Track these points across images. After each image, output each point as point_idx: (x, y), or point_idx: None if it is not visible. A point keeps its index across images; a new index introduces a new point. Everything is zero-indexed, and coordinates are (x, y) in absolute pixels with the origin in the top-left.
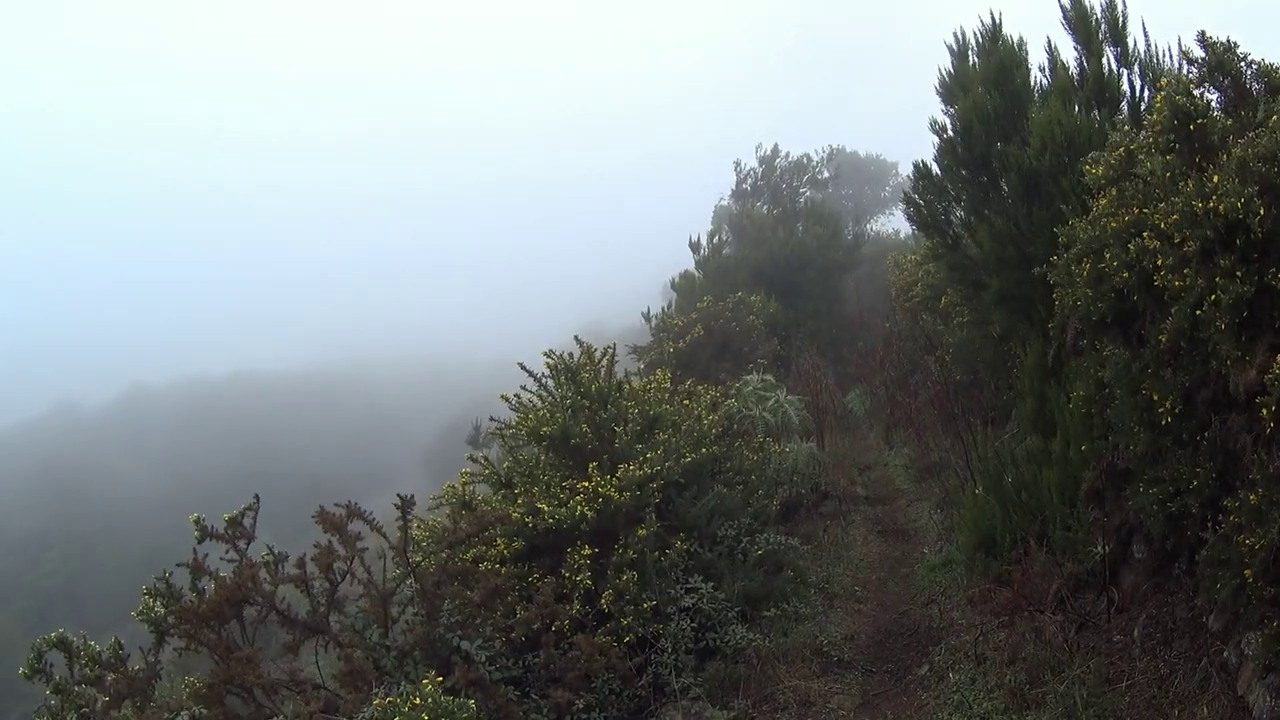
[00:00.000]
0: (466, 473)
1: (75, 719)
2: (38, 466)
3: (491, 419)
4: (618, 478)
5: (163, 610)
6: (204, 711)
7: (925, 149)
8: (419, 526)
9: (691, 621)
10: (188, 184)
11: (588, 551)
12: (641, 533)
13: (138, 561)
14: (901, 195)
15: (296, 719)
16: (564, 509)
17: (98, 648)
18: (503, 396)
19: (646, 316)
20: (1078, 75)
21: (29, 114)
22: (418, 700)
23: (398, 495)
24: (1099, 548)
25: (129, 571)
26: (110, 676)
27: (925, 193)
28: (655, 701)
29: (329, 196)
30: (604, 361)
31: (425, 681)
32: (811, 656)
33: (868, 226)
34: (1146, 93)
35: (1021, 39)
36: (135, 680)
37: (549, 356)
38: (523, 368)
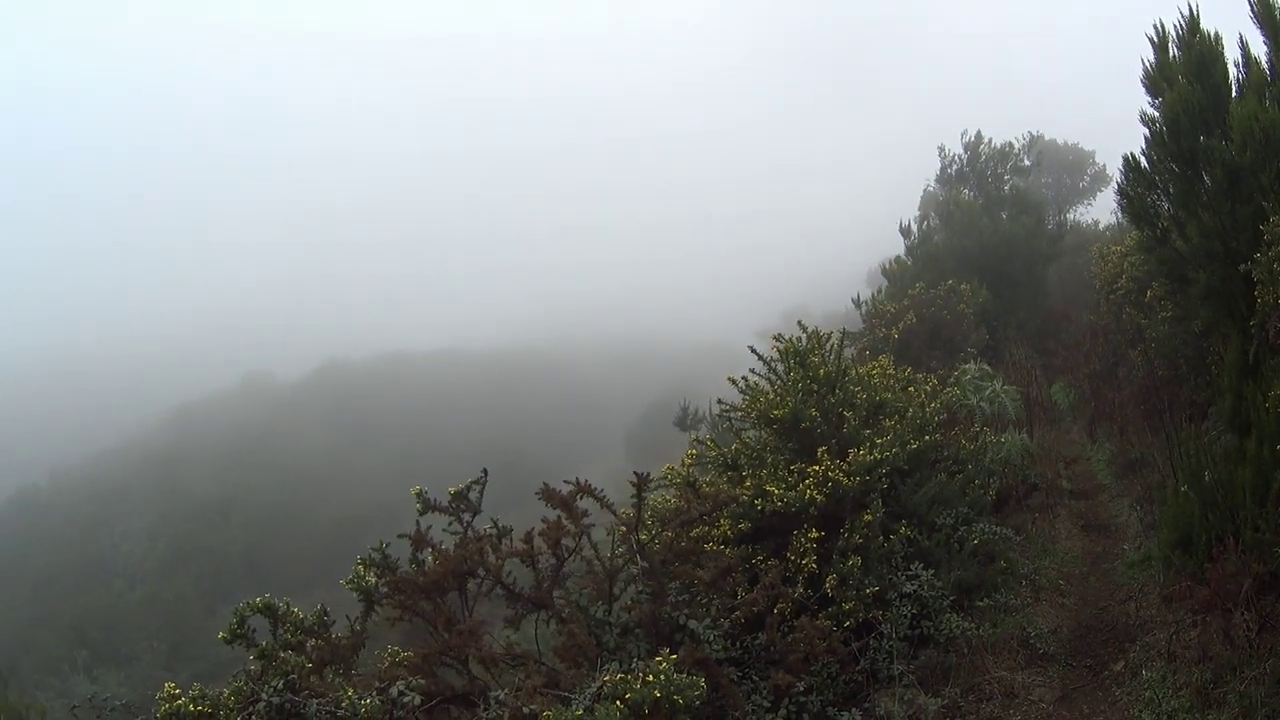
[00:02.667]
0: (692, 453)
1: (281, 684)
2: (225, 437)
3: (720, 401)
4: (848, 462)
5: (374, 580)
6: (420, 681)
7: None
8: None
9: (911, 608)
10: (388, 161)
11: (814, 535)
12: (867, 518)
13: (324, 533)
14: (1100, 185)
15: (518, 692)
16: (793, 492)
17: (301, 614)
18: (730, 379)
19: (857, 302)
20: (1269, 70)
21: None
22: (650, 677)
23: (634, 473)
24: None
25: (314, 542)
26: (311, 642)
27: (1135, 185)
28: (869, 687)
29: (532, 181)
30: (831, 346)
31: (659, 659)
32: (1018, 648)
33: (1067, 216)
34: None
35: (1217, 33)
36: (339, 647)
37: (778, 340)
38: (753, 351)
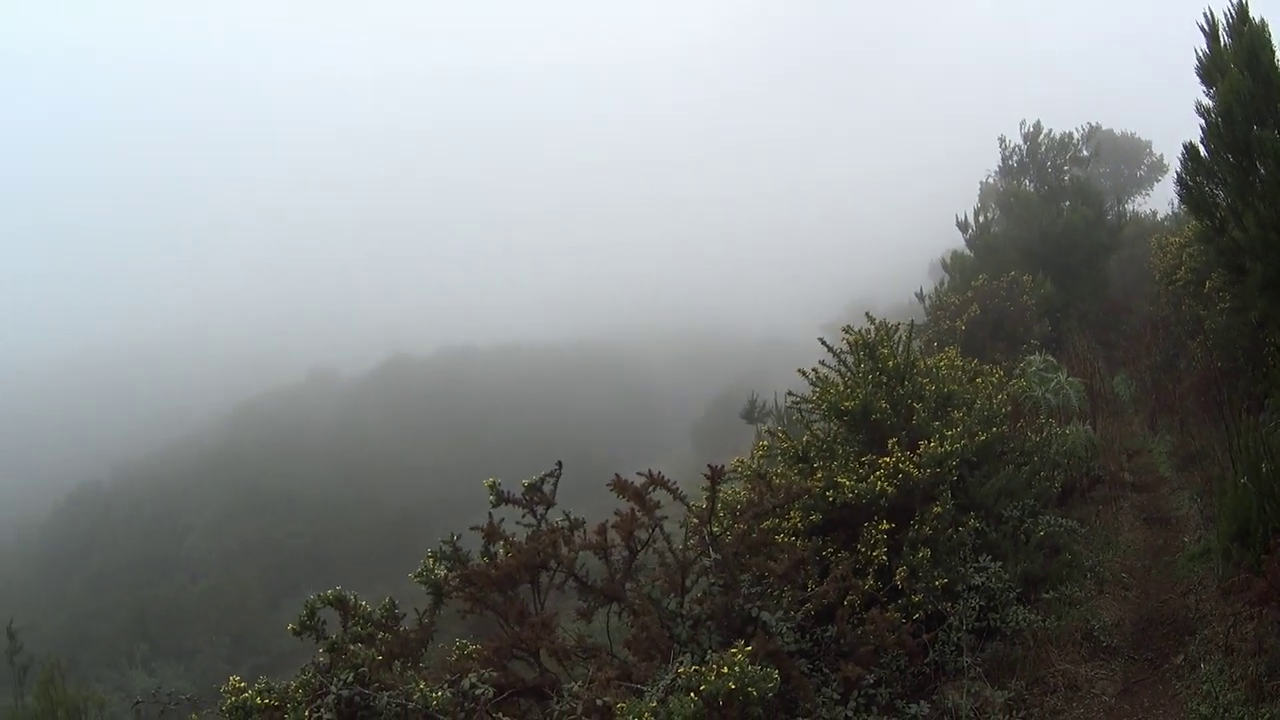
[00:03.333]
0: (763, 445)
1: (351, 677)
2: (289, 432)
3: (790, 393)
4: (918, 454)
5: (443, 572)
6: (491, 674)
7: None
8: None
9: (979, 600)
10: (452, 154)
11: (885, 526)
12: (937, 510)
13: (388, 527)
14: (1157, 175)
15: (591, 684)
16: (864, 484)
17: (369, 607)
18: (800, 371)
19: (920, 296)
20: None
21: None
22: (725, 669)
23: (708, 466)
24: None
25: (378, 536)
26: (380, 636)
27: (1194, 174)
28: (937, 679)
29: (585, 168)
30: (899, 337)
31: (733, 650)
32: (1081, 641)
33: (1126, 206)
34: None
35: (1263, 20)
36: (407, 641)
37: (847, 332)
38: (822, 342)
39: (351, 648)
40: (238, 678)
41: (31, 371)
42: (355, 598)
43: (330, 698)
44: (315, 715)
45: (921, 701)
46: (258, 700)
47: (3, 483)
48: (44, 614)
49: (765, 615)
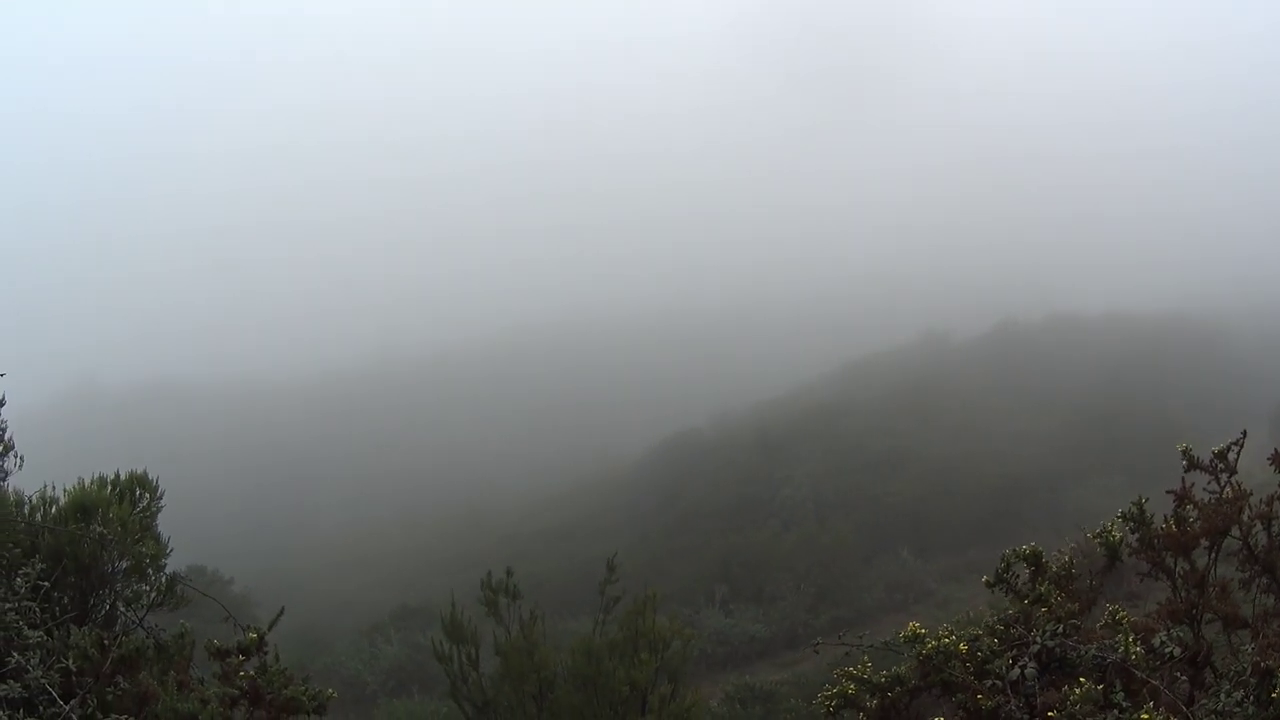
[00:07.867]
0: None
1: (1060, 628)
2: (900, 392)
3: None
4: None
5: (1120, 535)
6: (1179, 633)
7: None
8: None
9: None
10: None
11: None
12: None
13: (991, 491)
14: None
15: (1259, 649)
16: None
17: (1050, 565)
18: None
19: None
20: None
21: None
22: None
23: None
24: None
25: (980, 500)
26: (1055, 595)
27: None
28: None
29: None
30: None
31: None
32: None
33: None
34: None
35: None
36: (1079, 599)
37: None
38: None
39: (1053, 601)
40: (917, 624)
41: (643, 326)
42: (1041, 553)
43: (1034, 648)
44: (1020, 664)
45: None
46: (960, 647)
47: (601, 429)
48: (624, 550)
49: None
